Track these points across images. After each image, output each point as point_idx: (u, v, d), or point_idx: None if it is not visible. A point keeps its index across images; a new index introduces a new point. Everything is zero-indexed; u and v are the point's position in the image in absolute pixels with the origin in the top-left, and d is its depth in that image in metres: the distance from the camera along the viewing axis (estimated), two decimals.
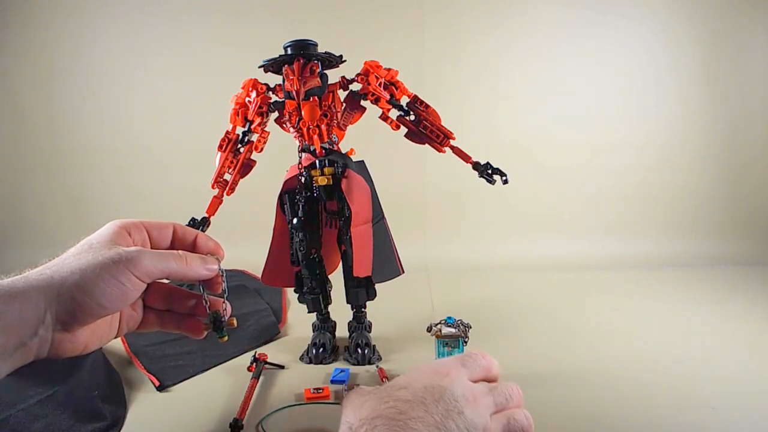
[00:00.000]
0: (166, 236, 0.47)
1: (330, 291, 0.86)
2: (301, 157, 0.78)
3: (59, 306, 0.38)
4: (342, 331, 0.86)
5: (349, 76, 0.79)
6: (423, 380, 0.40)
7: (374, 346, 0.83)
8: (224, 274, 0.48)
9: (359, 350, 0.81)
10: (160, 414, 0.68)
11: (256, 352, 0.80)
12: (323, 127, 0.76)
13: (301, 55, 0.72)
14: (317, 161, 0.77)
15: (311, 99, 0.73)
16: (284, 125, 0.80)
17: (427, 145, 0.81)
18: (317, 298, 0.82)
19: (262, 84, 0.78)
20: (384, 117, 0.80)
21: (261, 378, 0.76)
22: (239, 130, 0.80)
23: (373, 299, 0.83)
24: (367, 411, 0.37)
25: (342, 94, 0.80)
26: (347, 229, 0.77)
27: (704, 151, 1.52)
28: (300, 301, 0.84)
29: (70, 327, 0.39)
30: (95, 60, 1.56)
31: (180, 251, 0.45)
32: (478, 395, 0.40)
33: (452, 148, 0.80)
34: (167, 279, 0.45)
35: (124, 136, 1.59)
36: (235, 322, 0.48)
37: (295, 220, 0.77)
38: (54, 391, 0.61)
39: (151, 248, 0.46)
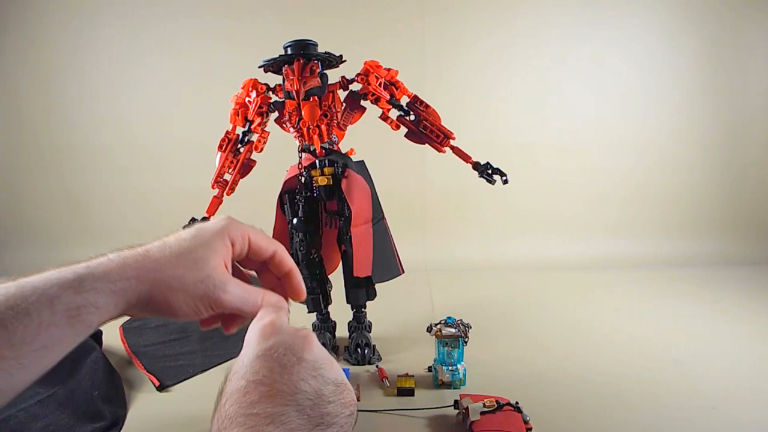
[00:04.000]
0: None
1: (330, 291, 0.86)
2: (301, 157, 0.78)
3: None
4: (342, 331, 0.86)
5: (349, 76, 0.79)
6: (249, 352, 0.37)
7: (374, 346, 0.83)
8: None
9: (359, 350, 0.81)
10: (160, 414, 0.68)
11: None
12: (323, 127, 0.76)
13: (301, 55, 0.72)
14: (317, 161, 0.77)
15: (311, 99, 0.73)
16: (284, 125, 0.80)
17: (427, 145, 0.81)
18: (317, 298, 0.82)
19: (262, 84, 0.78)
20: (384, 117, 0.80)
21: None
22: (239, 130, 0.80)
23: (373, 299, 0.83)
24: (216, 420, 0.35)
25: (342, 94, 0.80)
26: (347, 229, 0.77)
27: (704, 151, 1.52)
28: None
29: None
30: (95, 60, 1.56)
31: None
32: (308, 334, 0.38)
33: (452, 148, 0.80)
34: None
35: (124, 136, 1.59)
36: None
37: (295, 220, 0.77)
38: (54, 391, 0.61)
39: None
